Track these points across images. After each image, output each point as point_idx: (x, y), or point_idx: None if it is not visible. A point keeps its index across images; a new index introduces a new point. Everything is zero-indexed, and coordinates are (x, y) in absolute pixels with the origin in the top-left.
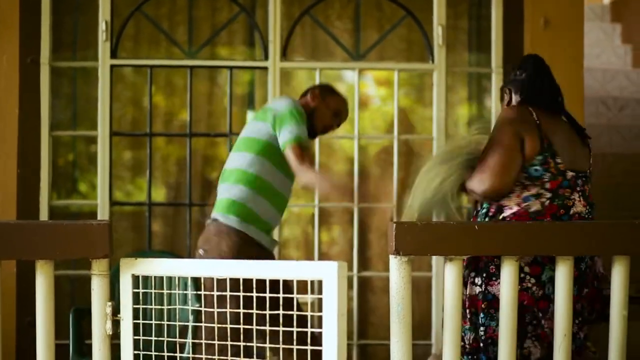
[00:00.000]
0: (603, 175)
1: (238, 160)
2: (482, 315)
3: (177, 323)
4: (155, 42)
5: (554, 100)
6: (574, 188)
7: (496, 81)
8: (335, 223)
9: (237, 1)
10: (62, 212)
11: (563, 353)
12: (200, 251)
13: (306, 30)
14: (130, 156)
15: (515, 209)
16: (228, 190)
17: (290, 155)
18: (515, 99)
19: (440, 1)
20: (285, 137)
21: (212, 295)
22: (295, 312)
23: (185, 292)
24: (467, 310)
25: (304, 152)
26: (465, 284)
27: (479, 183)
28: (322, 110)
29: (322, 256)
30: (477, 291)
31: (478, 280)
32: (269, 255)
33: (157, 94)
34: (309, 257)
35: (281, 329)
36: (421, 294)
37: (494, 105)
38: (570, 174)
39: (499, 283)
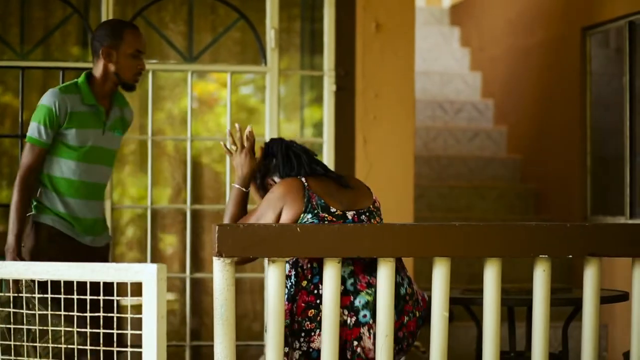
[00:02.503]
0: (437, 178)
1: None
2: None
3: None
4: None
5: (314, 167)
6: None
7: (328, 84)
8: (170, 224)
9: (70, 2)
10: None
11: (385, 354)
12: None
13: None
14: None
15: None
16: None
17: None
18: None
19: (273, 4)
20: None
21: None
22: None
23: None
24: None
25: (30, 156)
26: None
27: None
28: (122, 62)
29: (156, 258)
30: (298, 355)
31: (297, 344)
32: (88, 249)
33: None
34: (144, 259)
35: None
36: (255, 295)
37: (326, 108)
38: (350, 213)
39: (319, 334)
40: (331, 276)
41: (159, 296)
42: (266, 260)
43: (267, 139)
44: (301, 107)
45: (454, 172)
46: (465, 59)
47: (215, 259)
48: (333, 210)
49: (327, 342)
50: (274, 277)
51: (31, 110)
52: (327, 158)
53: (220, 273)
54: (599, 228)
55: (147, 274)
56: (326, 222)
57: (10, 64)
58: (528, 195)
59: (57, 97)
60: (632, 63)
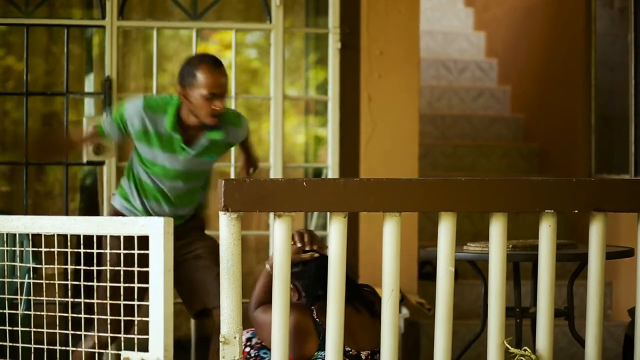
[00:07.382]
0: (441, 137)
1: None
2: None
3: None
4: None
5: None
6: None
7: (333, 41)
8: None
9: None
10: None
11: (391, 308)
12: None
13: None
14: None
15: None
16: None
17: None
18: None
19: None
20: None
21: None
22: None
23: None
24: None
25: (90, 133)
26: None
27: None
28: (196, 103)
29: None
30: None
31: None
32: None
33: None
34: None
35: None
36: (260, 253)
37: (331, 66)
38: (365, 353)
39: None
40: (337, 230)
41: (166, 249)
42: (272, 215)
43: (272, 95)
44: (305, 66)
45: (458, 131)
46: (469, 19)
47: (221, 213)
48: (347, 349)
49: (334, 298)
50: (280, 231)
51: (35, 69)
52: (332, 116)
53: (227, 228)
54: (605, 183)
55: (153, 227)
56: None
57: (15, 21)
58: (532, 154)
59: (138, 112)
60: (637, 21)
